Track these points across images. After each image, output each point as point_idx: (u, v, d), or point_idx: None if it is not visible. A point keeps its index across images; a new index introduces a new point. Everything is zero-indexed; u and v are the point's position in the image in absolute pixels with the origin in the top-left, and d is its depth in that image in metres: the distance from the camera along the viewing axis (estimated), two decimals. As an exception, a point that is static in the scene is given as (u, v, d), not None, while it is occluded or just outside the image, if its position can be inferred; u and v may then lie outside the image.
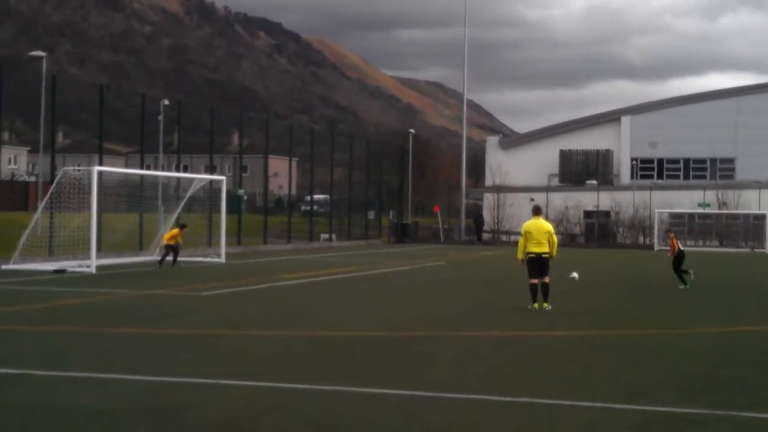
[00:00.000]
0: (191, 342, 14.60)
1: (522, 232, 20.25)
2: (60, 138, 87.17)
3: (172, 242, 33.06)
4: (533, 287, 19.71)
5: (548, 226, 20.06)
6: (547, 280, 19.65)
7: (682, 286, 26.00)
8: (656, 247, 61.03)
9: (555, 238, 20.16)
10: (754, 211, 65.34)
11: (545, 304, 19.49)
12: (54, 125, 40.25)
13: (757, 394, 10.84)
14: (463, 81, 71.22)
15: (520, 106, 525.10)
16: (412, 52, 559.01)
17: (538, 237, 19.68)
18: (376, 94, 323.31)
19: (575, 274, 26.27)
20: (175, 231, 33.74)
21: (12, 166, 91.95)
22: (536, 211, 20.45)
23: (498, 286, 26.12)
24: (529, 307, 19.53)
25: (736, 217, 66.56)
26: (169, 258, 32.69)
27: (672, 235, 28.60)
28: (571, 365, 12.76)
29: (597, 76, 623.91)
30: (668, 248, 27.72)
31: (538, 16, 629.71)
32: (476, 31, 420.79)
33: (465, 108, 73.63)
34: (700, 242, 65.69)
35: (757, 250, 59.93)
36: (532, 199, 71.38)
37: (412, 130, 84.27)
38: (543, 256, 19.67)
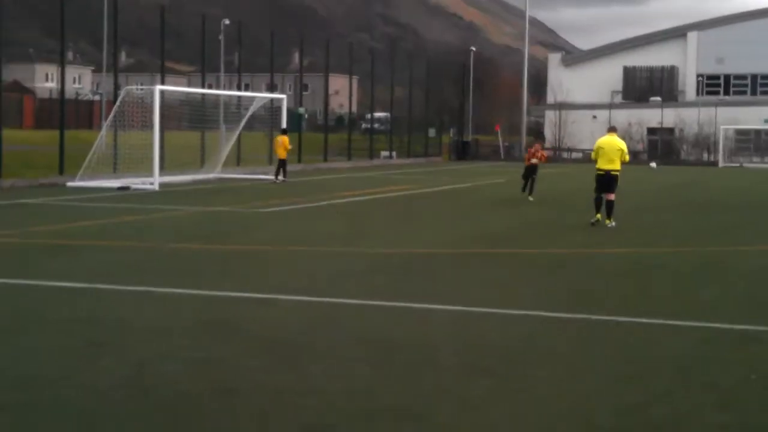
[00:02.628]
0: (250, 258, 14.75)
1: (595, 147, 20.32)
2: (123, 58, 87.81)
3: (284, 155, 34.45)
4: (598, 199, 19.64)
5: (621, 144, 20.09)
6: (612, 197, 19.58)
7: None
8: (721, 164, 60.19)
9: (627, 158, 20.23)
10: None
11: (608, 221, 19.38)
12: (117, 45, 40.47)
13: (819, 311, 10.70)
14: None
15: (573, 23, 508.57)
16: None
17: (611, 154, 19.64)
18: (436, 11, 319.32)
19: (654, 164, 27.03)
20: (284, 139, 34.79)
21: (77, 85, 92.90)
22: (611, 129, 20.85)
23: (558, 204, 25.95)
24: (592, 220, 19.43)
25: (803, 133, 65.21)
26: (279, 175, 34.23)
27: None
28: (629, 283, 12.68)
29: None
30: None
31: None
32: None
33: (527, 25, 72.47)
34: (767, 159, 64.60)
35: (824, 168, 58.78)
36: (595, 117, 70.66)
37: (474, 48, 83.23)
38: (612, 173, 19.64)
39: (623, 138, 21.52)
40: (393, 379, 7.51)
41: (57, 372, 7.61)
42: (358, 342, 8.82)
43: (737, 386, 7.44)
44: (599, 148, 19.98)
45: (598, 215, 19.49)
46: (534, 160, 27.82)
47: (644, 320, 9.99)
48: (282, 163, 34.62)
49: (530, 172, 27.57)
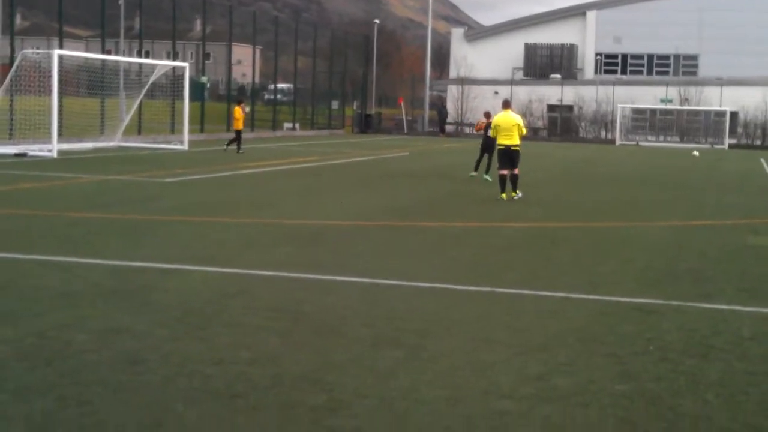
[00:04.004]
0: (155, 228, 14.59)
1: (492, 125, 20.74)
2: (18, 20, 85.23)
3: (240, 125, 34.97)
4: (502, 178, 20.13)
5: (516, 119, 20.39)
6: (516, 171, 20.07)
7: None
8: (618, 142, 61.49)
9: (524, 131, 20.60)
10: (715, 107, 65.68)
11: (513, 193, 19.93)
12: (13, 7, 39.32)
13: (711, 285, 11.06)
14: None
15: None
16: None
17: (508, 130, 20.03)
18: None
19: (696, 153, 28.43)
20: (238, 111, 35.29)
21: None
22: (505, 105, 20.98)
23: (460, 178, 26.21)
24: (498, 197, 19.84)
25: (697, 113, 66.91)
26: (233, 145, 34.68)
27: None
28: (532, 256, 12.92)
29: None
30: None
31: None
32: None
33: (430, 0, 72.72)
34: (661, 138, 66.21)
35: (716, 146, 60.52)
36: (497, 92, 71.35)
37: (377, 21, 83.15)
38: (512, 148, 20.08)
39: (524, 114, 21.95)
40: (301, 349, 7.55)
41: (-42, 341, 7.46)
42: (266, 312, 8.82)
43: (636, 357, 7.67)
44: (496, 125, 20.54)
45: (503, 195, 19.91)
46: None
47: (547, 293, 10.21)
48: (237, 134, 35.11)
49: (489, 147, 24.26)
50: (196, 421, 5.86)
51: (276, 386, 6.57)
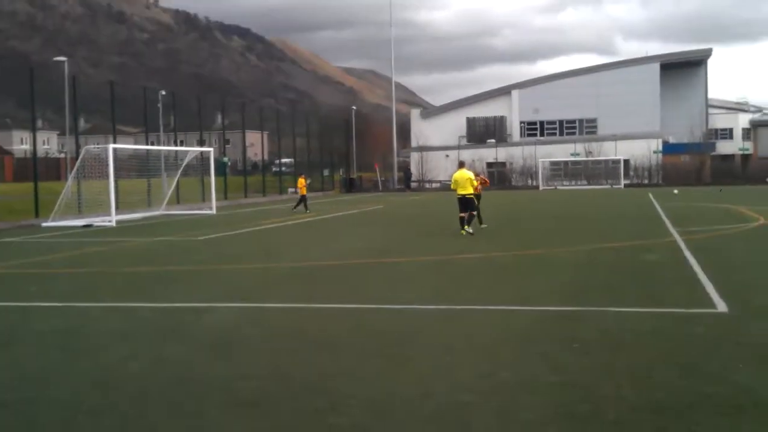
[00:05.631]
0: (192, 275, 14.44)
1: (452, 180, 21.41)
2: (82, 123, 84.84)
3: (304, 191, 34.70)
4: (462, 218, 20.69)
5: (469, 175, 21.21)
6: (471, 213, 20.55)
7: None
8: (541, 187, 61.69)
9: (476, 183, 21.38)
10: (612, 157, 66.31)
11: (466, 228, 20.27)
12: (76, 114, 39.25)
13: (619, 294, 11.03)
14: (391, 69, 70.88)
15: (424, 85, 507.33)
16: (329, 48, 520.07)
17: (463, 183, 20.69)
18: (324, 80, 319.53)
19: (676, 191, 29.20)
20: (301, 181, 35.27)
21: (46, 146, 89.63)
22: (461, 165, 21.89)
23: (424, 223, 26.17)
24: (461, 232, 20.25)
25: (598, 162, 67.45)
26: (300, 206, 34.61)
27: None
28: (479, 279, 12.85)
29: (479, 62, 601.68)
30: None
31: (425, 17, 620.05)
32: (377, 31, 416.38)
33: (393, 90, 73.22)
34: (573, 182, 66.58)
35: (614, 186, 60.86)
36: (447, 155, 71.69)
37: (354, 107, 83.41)
38: (467, 196, 20.79)
39: (471, 170, 22.19)
40: (305, 364, 7.45)
41: (43, 374, 7.31)
42: (278, 336, 8.72)
43: (564, 353, 7.60)
44: (455, 180, 21.06)
45: (462, 231, 20.26)
46: (478, 186, 21.87)
47: (492, 307, 10.15)
48: (302, 198, 34.97)
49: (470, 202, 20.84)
50: (226, 423, 5.74)
51: (287, 393, 6.47)
